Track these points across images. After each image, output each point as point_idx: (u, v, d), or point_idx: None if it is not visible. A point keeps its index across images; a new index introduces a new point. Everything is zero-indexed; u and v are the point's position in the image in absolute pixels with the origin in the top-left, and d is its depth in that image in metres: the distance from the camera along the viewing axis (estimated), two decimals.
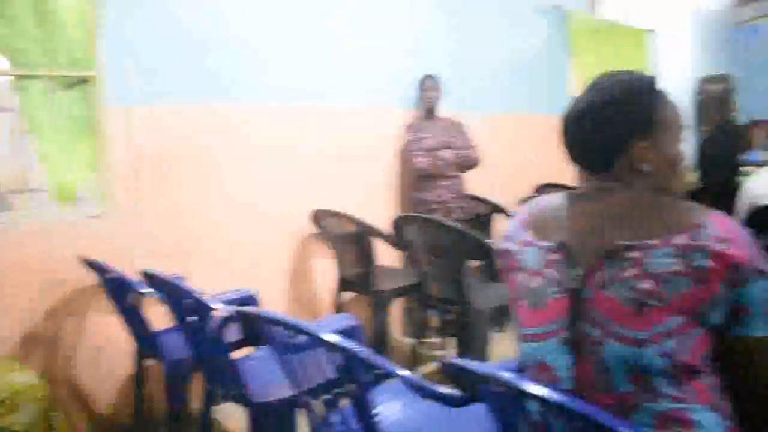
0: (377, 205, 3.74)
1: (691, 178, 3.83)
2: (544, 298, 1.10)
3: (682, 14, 7.56)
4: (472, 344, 2.91)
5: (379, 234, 3.13)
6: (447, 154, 3.70)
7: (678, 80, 7.43)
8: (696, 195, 3.22)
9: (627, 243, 1.01)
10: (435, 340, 3.55)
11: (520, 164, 4.36)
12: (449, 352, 3.42)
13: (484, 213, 3.94)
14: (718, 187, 3.11)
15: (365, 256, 3.14)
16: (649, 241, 1.00)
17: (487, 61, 4.55)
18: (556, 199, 1.19)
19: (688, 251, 0.97)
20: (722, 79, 7.66)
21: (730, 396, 1.05)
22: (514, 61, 4.79)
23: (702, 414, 1.00)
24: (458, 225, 2.88)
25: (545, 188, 3.83)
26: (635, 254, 1.00)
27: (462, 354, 2.96)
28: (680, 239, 0.98)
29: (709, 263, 0.96)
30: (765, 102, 8.79)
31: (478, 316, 2.89)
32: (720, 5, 8.34)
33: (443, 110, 3.89)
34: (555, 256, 1.10)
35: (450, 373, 1.19)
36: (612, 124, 1.10)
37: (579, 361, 1.05)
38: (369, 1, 3.73)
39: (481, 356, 2.89)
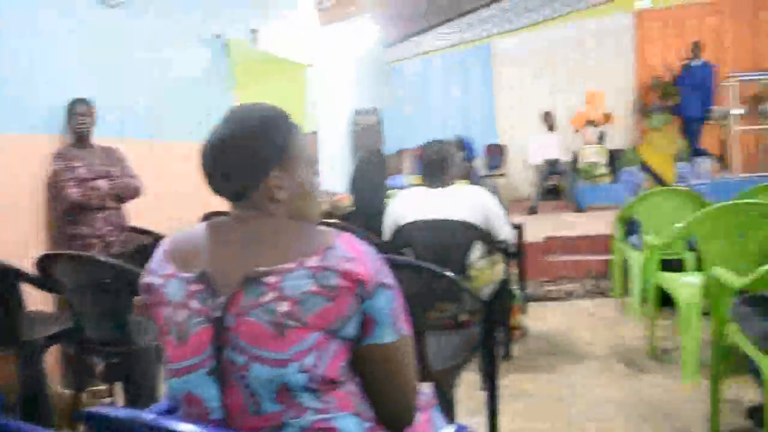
0: (21, 244, 3.28)
1: (347, 201, 4.18)
2: (188, 331, 1.08)
3: (340, 51, 8.24)
4: (141, 387, 2.72)
5: (23, 276, 2.74)
6: (102, 183, 3.43)
7: (335, 112, 8.08)
8: (350, 217, 3.50)
9: (264, 269, 1.04)
10: (101, 387, 3.23)
11: (186, 193, 4.25)
12: (117, 399, 3.15)
13: (148, 244, 3.74)
14: (370, 209, 3.40)
15: (5, 302, 2.72)
16: (285, 266, 1.04)
17: (148, 87, 4.37)
18: (198, 229, 1.19)
19: (319, 271, 1.04)
20: (373, 111, 8.58)
21: (369, 400, 1.14)
22: (177, 89, 4.70)
23: (343, 420, 1.07)
24: (114, 260, 2.67)
25: (212, 216, 3.78)
26: (272, 279, 1.03)
27: (131, 399, 2.74)
28: (312, 261, 1.04)
29: (339, 281, 1.04)
30: (409, 133, 10.10)
31: (144, 355, 2.71)
32: (372, 45, 9.31)
33: (98, 137, 3.60)
34: (196, 287, 1.08)
35: (92, 425, 1.08)
36: (249, 155, 1.13)
37: (228, 389, 1.05)
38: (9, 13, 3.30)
39: (151, 398, 2.71)
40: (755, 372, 2.14)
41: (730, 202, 2.98)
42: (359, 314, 1.07)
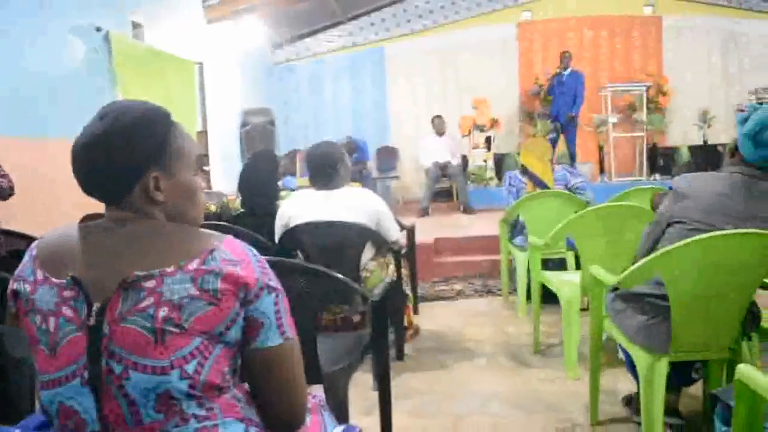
0: None
1: (237, 203, 4.07)
2: (60, 340, 1.01)
3: (229, 50, 8.04)
4: (14, 400, 2.51)
5: None
6: None
7: (226, 111, 7.88)
8: (240, 219, 3.41)
9: (142, 273, 1.00)
10: None
11: (62, 193, 3.99)
12: None
13: (22, 249, 3.47)
14: (260, 211, 3.33)
15: None
16: (165, 269, 1.01)
17: (17, 81, 4.07)
18: (71, 231, 1.11)
19: (201, 275, 1.01)
20: (264, 112, 8.44)
21: (257, 405, 1.12)
22: (51, 83, 4.40)
23: (229, 427, 1.04)
24: None
25: (93, 218, 3.57)
26: (151, 283, 1.00)
27: (4, 413, 2.53)
28: (194, 264, 1.02)
29: (221, 285, 1.02)
30: (301, 133, 10.03)
31: (18, 367, 2.50)
32: (262, 44, 9.16)
33: None
34: (69, 294, 1.02)
35: None
36: (125, 153, 1.07)
37: (105, 399, 0.99)
38: None
39: (27, 411, 2.51)
40: (630, 363, 2.27)
41: (605, 204, 3.16)
42: (243, 318, 1.05)
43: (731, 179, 2.07)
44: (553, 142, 8.65)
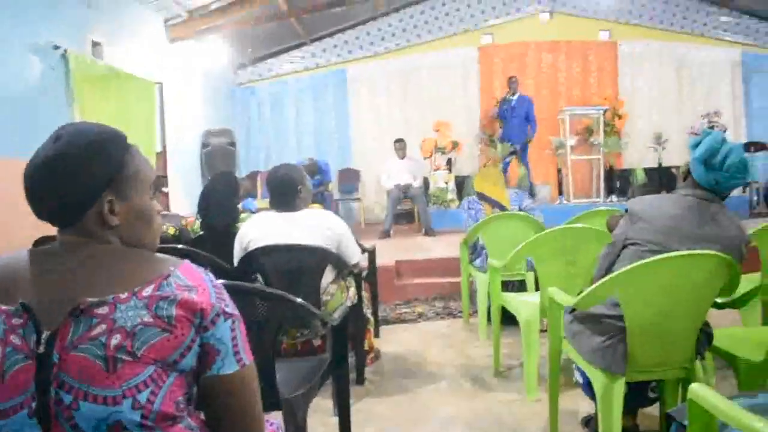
0: None
1: (196, 225, 4.01)
2: (7, 369, 0.97)
3: (191, 70, 7.98)
4: None
5: None
6: None
7: (186, 132, 7.80)
8: (199, 242, 3.36)
9: (94, 300, 0.98)
10: None
11: (14, 217, 3.88)
12: None
13: None
14: (220, 233, 3.29)
15: None
16: (118, 295, 0.99)
17: None
18: (20, 256, 1.08)
19: (155, 301, 0.99)
20: (226, 132, 8.38)
21: None
22: (3, 101, 4.29)
23: None
24: None
25: (46, 241, 3.47)
26: (104, 310, 0.98)
27: None
28: (148, 290, 1.00)
29: (176, 311, 1.00)
30: (262, 154, 9.98)
31: None
32: (224, 65, 9.12)
33: None
34: (17, 321, 0.98)
35: None
36: (80, 177, 1.06)
37: (54, 430, 0.96)
38: None
39: None
40: (587, 385, 2.29)
41: (562, 226, 3.21)
42: (199, 345, 1.03)
43: (684, 202, 2.13)
44: (506, 167, 8.81)
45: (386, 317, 4.79)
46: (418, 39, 10.12)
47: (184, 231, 4.04)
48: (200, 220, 3.56)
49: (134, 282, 1.01)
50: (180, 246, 3.17)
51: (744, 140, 9.65)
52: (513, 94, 8.85)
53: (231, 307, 1.09)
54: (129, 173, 1.11)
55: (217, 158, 8.01)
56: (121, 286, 1.00)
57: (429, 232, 7.78)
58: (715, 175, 2.09)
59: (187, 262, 1.08)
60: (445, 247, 6.32)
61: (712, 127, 8.65)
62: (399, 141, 8.36)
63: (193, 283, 1.04)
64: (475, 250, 4.30)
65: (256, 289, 2.04)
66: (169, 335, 0.99)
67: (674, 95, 10.20)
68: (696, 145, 2.15)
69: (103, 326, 0.96)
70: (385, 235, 7.73)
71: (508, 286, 3.85)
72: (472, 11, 10.14)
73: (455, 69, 10.07)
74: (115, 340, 0.96)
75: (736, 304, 2.84)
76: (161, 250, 1.16)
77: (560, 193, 9.33)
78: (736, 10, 10.18)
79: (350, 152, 10.07)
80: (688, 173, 2.21)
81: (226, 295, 1.09)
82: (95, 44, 5.69)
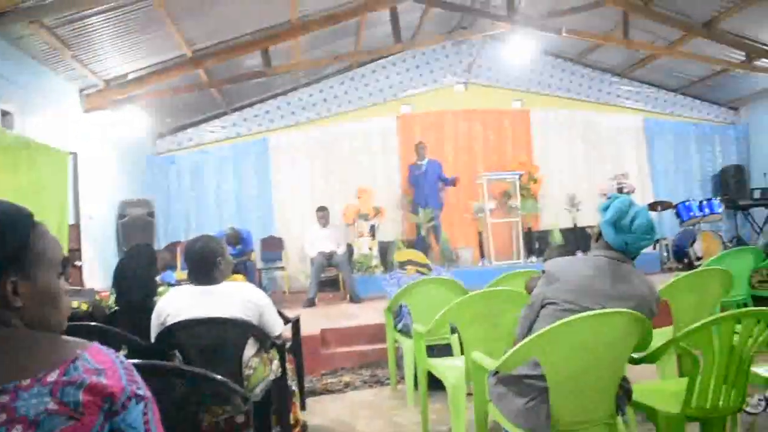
0: None
1: (111, 300, 3.84)
2: None
3: (107, 139, 7.81)
4: None
5: None
6: None
7: (101, 203, 7.56)
8: (114, 317, 3.22)
9: None
10: None
11: None
12: None
13: None
14: (136, 308, 3.17)
15: None
16: (20, 383, 0.93)
17: None
18: None
19: (61, 387, 0.95)
20: (144, 203, 8.16)
21: None
22: None
23: None
24: None
25: None
26: (4, 398, 0.92)
27: None
28: (53, 376, 0.95)
29: (84, 397, 0.95)
30: (182, 224, 9.76)
31: None
32: (143, 134, 8.97)
33: None
34: None
35: None
36: None
37: None
38: None
39: None
40: None
41: (482, 290, 3.27)
42: (110, 431, 0.98)
43: (597, 262, 2.23)
44: (437, 229, 9.01)
45: (312, 388, 4.67)
46: (339, 108, 10.32)
47: (97, 306, 3.86)
48: (115, 294, 3.42)
49: (38, 367, 0.96)
50: (92, 324, 3.02)
51: (651, 199, 10.25)
52: (422, 160, 9.14)
53: (143, 389, 1.05)
54: (34, 253, 1.07)
55: (135, 229, 7.77)
56: (24, 372, 0.95)
57: (354, 299, 7.74)
58: (624, 237, 2.20)
59: (95, 344, 1.04)
60: (371, 313, 6.28)
61: (621, 188, 9.16)
62: (322, 209, 8.39)
63: (103, 365, 1.00)
64: (399, 313, 4.30)
65: (175, 368, 1.97)
66: (76, 422, 0.94)
67: (584, 159, 10.79)
68: (605, 209, 2.27)
69: (3, 416, 0.91)
70: (310, 303, 7.63)
71: (433, 350, 3.85)
72: (390, 82, 10.48)
73: (376, 137, 10.30)
74: (17, 431, 0.90)
75: (651, 358, 2.94)
76: (71, 329, 1.11)
77: (482, 255, 9.53)
78: (637, 81, 11.03)
79: (273, 220, 10.00)
80: (599, 235, 2.32)
81: (137, 377, 1.05)
82: (5, 113, 5.49)
